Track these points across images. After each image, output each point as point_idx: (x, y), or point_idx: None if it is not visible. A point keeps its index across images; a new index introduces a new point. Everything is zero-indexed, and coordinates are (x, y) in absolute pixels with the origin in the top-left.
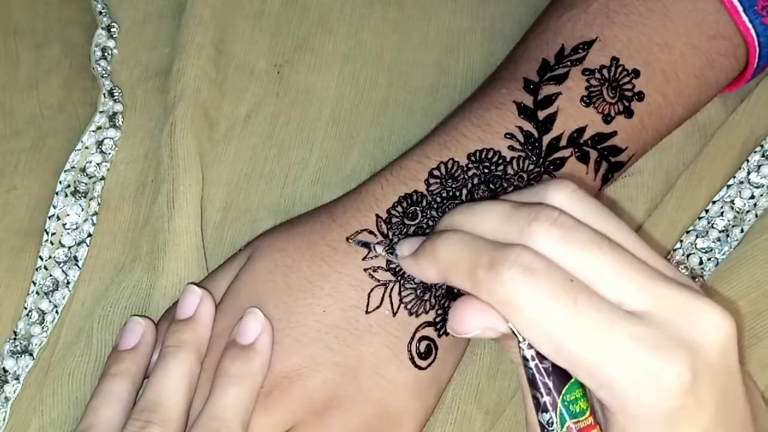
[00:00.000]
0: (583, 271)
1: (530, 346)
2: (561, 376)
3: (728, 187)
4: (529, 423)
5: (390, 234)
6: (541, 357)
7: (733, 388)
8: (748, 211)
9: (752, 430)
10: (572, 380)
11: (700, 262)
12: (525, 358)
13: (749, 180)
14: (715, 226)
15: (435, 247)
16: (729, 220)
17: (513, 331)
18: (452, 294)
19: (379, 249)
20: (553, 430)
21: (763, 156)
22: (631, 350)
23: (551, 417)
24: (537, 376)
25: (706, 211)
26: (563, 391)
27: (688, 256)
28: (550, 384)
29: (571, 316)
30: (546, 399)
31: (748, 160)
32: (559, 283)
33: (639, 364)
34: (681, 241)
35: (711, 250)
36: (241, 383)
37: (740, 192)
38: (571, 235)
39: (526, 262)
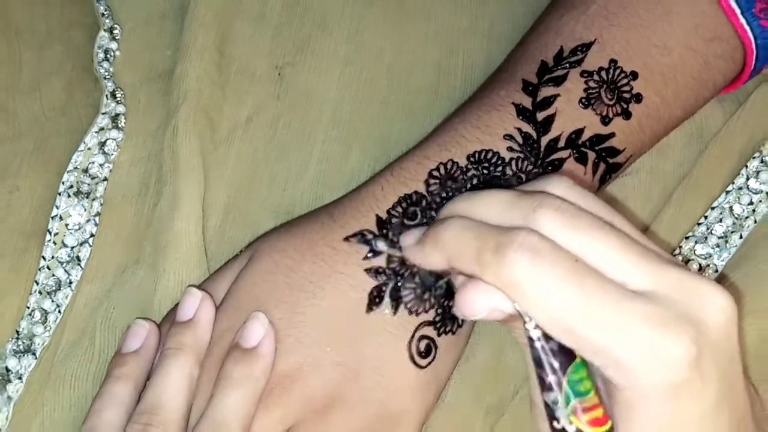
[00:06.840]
0: (588, 254)
1: (536, 327)
2: (566, 355)
3: (727, 193)
4: (535, 403)
5: (390, 234)
6: (547, 337)
7: (734, 369)
8: (746, 218)
9: (750, 414)
10: (577, 360)
11: (700, 268)
12: (531, 339)
13: (748, 186)
14: (714, 232)
15: (439, 233)
16: (728, 226)
17: (518, 312)
18: (452, 294)
19: (380, 244)
20: (558, 409)
21: (761, 162)
22: (637, 328)
23: (556, 397)
24: (542, 356)
25: (705, 217)
26: (568, 371)
27: (687, 262)
28: (556, 364)
29: (579, 297)
30: (551, 379)
31: (746, 166)
32: (565, 264)
33: (646, 340)
34: (680, 247)
35: (710, 256)
36: (243, 386)
37: (739, 198)
38: (574, 221)
39: (532, 244)
